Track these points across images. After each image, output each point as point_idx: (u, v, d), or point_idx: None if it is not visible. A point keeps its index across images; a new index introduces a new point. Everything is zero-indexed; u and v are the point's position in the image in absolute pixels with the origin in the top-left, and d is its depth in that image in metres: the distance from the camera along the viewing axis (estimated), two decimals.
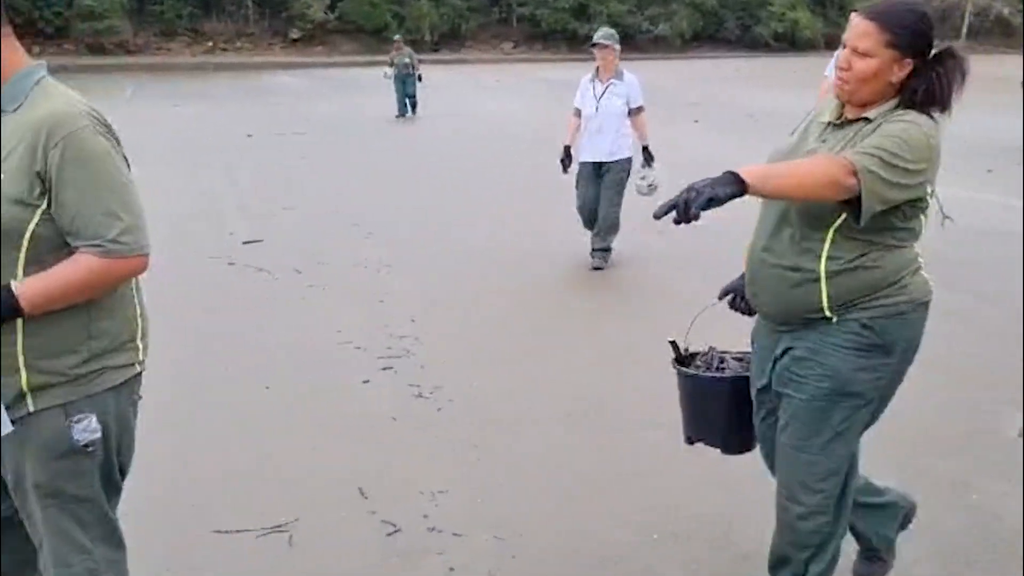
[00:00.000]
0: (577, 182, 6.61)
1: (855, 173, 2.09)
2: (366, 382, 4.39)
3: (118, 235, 1.88)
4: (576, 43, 40.22)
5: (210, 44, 36.55)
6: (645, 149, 6.47)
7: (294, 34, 37.81)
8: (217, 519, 3.15)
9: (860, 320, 2.28)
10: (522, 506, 3.26)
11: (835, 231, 2.26)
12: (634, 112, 6.44)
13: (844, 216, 2.22)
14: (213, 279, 6.23)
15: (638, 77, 6.54)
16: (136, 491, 2.27)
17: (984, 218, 7.89)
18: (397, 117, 16.90)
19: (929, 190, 2.26)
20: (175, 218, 7.82)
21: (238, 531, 3.08)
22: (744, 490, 3.20)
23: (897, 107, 2.25)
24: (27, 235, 1.85)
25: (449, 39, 36.60)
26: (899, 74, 2.22)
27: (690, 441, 2.76)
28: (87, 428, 1.96)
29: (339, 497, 3.31)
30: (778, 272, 2.35)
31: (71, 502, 2.01)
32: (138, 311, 2.07)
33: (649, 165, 6.32)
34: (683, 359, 2.74)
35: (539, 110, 17.20)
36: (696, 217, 1.94)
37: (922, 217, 2.30)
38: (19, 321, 1.87)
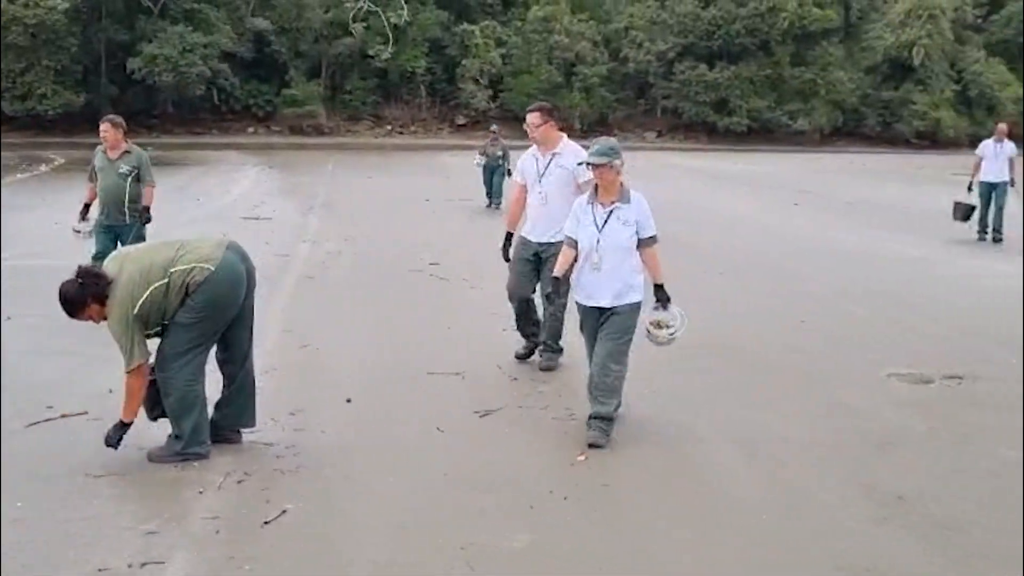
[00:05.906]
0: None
1: None
2: None
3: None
4: (716, 135, 43.15)
5: (389, 128, 41.88)
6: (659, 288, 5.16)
7: (460, 120, 42.61)
8: None
9: None
10: None
11: None
12: (644, 243, 5.05)
13: None
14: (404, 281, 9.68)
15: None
16: None
17: None
18: (487, 207, 16.20)
19: None
20: (387, 245, 11.60)
21: None
22: None
23: None
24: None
25: (597, 127, 40.07)
26: None
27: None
28: None
29: None
30: None
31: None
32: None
33: (664, 307, 5.16)
34: None
35: (678, 189, 19.99)
36: None
37: None
38: None
